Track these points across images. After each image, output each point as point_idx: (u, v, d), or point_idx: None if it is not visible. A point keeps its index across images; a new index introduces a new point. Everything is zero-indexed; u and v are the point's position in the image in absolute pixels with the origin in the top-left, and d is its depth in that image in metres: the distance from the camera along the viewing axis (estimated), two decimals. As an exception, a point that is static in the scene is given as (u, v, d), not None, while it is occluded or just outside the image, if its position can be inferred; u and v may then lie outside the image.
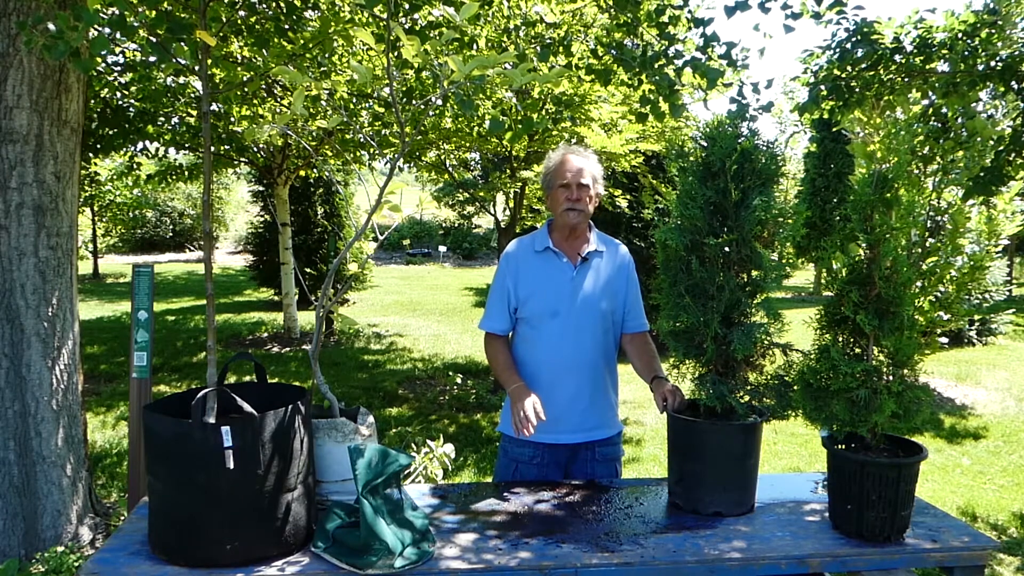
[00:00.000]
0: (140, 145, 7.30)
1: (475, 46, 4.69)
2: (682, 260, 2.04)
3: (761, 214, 1.96)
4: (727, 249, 1.98)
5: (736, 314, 2.01)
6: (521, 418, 2.14)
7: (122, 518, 3.59)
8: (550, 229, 2.47)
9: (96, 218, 17.33)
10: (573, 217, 2.37)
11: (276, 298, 12.05)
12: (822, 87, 4.61)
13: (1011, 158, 4.15)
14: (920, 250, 1.91)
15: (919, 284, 1.90)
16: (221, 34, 4.62)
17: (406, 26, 4.52)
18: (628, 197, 8.56)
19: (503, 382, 2.38)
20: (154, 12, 2.83)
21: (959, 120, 4.09)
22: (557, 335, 2.37)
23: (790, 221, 2.02)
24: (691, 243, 2.01)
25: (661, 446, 5.62)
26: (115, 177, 14.04)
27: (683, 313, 2.02)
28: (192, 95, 6.76)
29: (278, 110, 6.55)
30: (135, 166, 7.82)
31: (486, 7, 4.60)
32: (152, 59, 5.54)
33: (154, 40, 2.34)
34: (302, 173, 9.46)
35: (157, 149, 7.52)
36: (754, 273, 2.03)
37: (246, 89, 5.84)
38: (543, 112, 5.69)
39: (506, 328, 2.46)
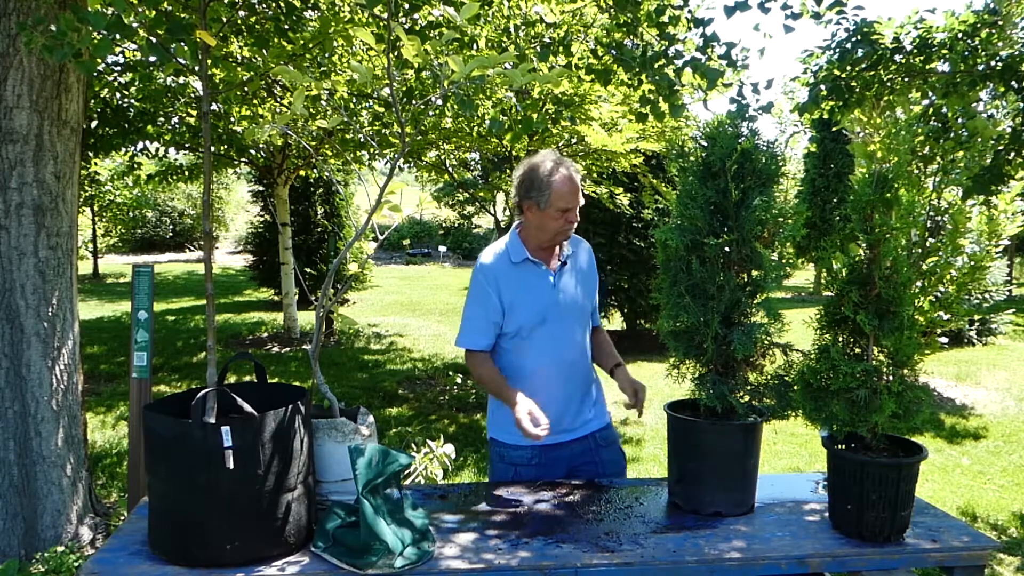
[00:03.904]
0: (140, 145, 7.31)
1: (475, 46, 4.69)
2: (682, 260, 2.04)
3: (761, 214, 1.96)
4: (727, 249, 1.98)
5: (736, 314, 2.01)
6: (531, 429, 2.12)
7: (122, 518, 3.59)
8: (522, 239, 2.39)
9: (96, 218, 17.35)
10: (568, 236, 2.36)
11: (276, 298, 12.05)
12: (822, 87, 4.61)
13: (1011, 158, 4.15)
14: (920, 250, 1.91)
15: (919, 284, 1.90)
16: (221, 34, 4.62)
17: (406, 26, 4.52)
18: (628, 196, 8.57)
19: (505, 398, 2.28)
20: (154, 12, 2.84)
21: (959, 120, 4.09)
22: (547, 342, 2.35)
23: (790, 221, 2.02)
24: (691, 243, 2.01)
25: (661, 446, 5.62)
26: (115, 177, 14.06)
27: (683, 313, 2.02)
28: (192, 95, 6.76)
29: (278, 110, 6.55)
30: (135, 166, 7.82)
31: (486, 7, 4.60)
32: (152, 59, 5.54)
33: (154, 40, 2.34)
34: (302, 173, 9.46)
35: (157, 149, 7.52)
36: (754, 273, 2.03)
37: (246, 89, 5.84)
38: (543, 112, 5.69)
39: (490, 344, 2.39)
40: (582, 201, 2.34)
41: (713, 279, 1.99)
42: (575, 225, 2.34)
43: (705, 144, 2.03)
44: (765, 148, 2.02)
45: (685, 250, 2.03)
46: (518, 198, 2.35)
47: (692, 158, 2.05)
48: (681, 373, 2.15)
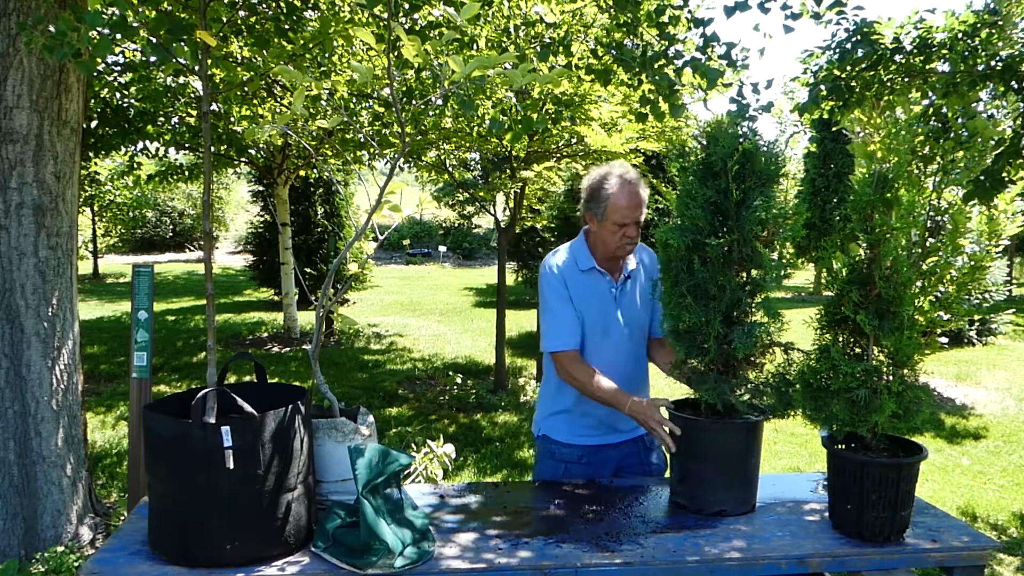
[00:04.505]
0: (140, 145, 7.30)
1: (475, 46, 4.69)
2: (684, 260, 2.04)
3: (762, 214, 1.96)
4: (727, 249, 1.98)
5: (737, 313, 2.01)
6: (668, 440, 2.10)
7: (122, 518, 3.59)
8: (589, 246, 2.38)
9: (96, 218, 17.34)
10: (629, 251, 2.34)
11: (276, 298, 12.05)
12: (822, 87, 4.61)
13: (1011, 160, 4.15)
14: (920, 250, 1.91)
15: (919, 284, 1.90)
16: (221, 34, 4.62)
17: (406, 26, 4.52)
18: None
19: (615, 402, 2.23)
20: (154, 12, 2.84)
21: (959, 120, 4.09)
22: (609, 353, 2.34)
23: (790, 221, 2.02)
24: (692, 243, 2.01)
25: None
26: (115, 177, 14.06)
27: (685, 312, 2.02)
28: (192, 95, 6.76)
29: (278, 110, 6.55)
30: (135, 166, 7.82)
31: (486, 7, 4.60)
32: (152, 59, 5.54)
33: (154, 40, 2.34)
34: (302, 173, 9.46)
35: (157, 149, 7.52)
36: (754, 273, 2.03)
37: (246, 89, 5.84)
38: (543, 112, 5.69)
39: (579, 343, 2.33)
40: (643, 217, 2.29)
41: (714, 279, 1.99)
42: (634, 241, 2.31)
43: (706, 144, 2.03)
44: (765, 148, 2.02)
45: (686, 250, 2.03)
46: (581, 208, 2.37)
47: (692, 158, 2.05)
48: (683, 372, 2.15)
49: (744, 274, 2.04)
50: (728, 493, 2.05)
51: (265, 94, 6.47)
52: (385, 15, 3.81)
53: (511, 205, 7.37)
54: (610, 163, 2.37)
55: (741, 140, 1.99)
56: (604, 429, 2.42)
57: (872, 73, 4.57)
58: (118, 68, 6.15)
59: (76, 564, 3.14)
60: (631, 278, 2.41)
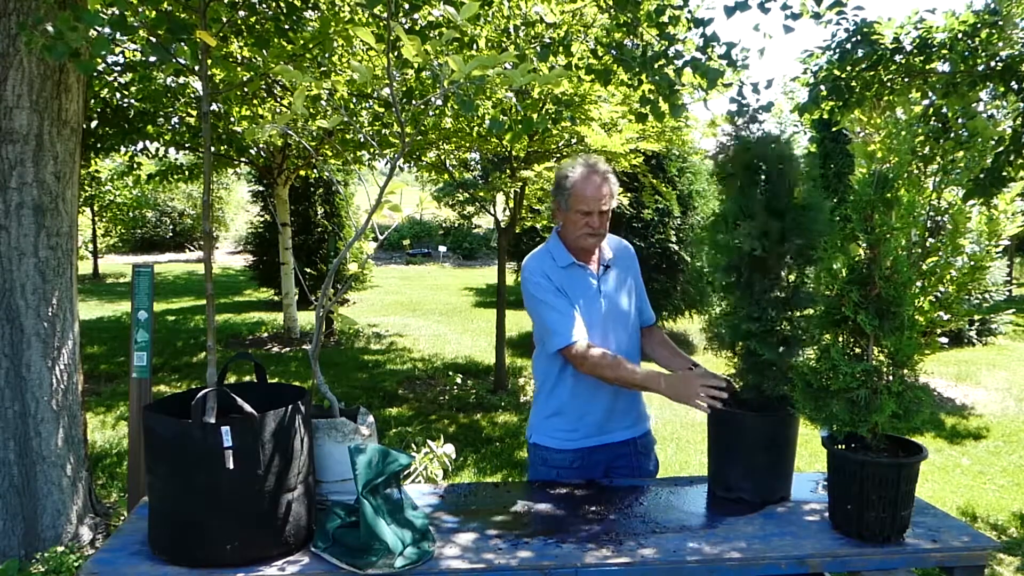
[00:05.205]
0: (140, 145, 7.30)
1: (475, 46, 4.69)
2: (757, 264, 2.06)
3: (831, 215, 1.99)
4: (787, 251, 2.03)
5: (800, 311, 2.08)
6: (713, 395, 2.09)
7: (122, 518, 3.59)
8: (562, 239, 2.38)
9: (96, 218, 17.32)
10: (592, 243, 2.34)
11: (276, 298, 12.03)
12: (822, 87, 4.60)
13: (1011, 159, 4.14)
14: (920, 250, 1.91)
15: (919, 284, 1.90)
16: (221, 34, 4.62)
17: (406, 26, 4.52)
18: (628, 196, 8.56)
19: (651, 383, 2.20)
20: (154, 12, 2.84)
21: (959, 120, 4.08)
22: (597, 343, 2.33)
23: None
24: (762, 246, 2.03)
25: (663, 446, 5.61)
26: (115, 177, 14.05)
27: (761, 313, 2.07)
28: (192, 95, 6.75)
29: (278, 110, 6.54)
30: (135, 166, 7.81)
31: (486, 7, 4.60)
32: (152, 59, 5.54)
33: (154, 40, 2.34)
34: (302, 173, 9.45)
35: (157, 149, 7.51)
36: (807, 270, 2.09)
37: (246, 89, 5.84)
38: (543, 112, 5.68)
39: (587, 334, 2.30)
40: (608, 207, 2.28)
41: (777, 281, 2.04)
42: (598, 231, 2.29)
43: (762, 150, 2.06)
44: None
45: (759, 252, 2.04)
46: (551, 199, 2.38)
47: (758, 163, 2.06)
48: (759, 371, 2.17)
49: (794, 275, 2.09)
50: (786, 480, 2.16)
51: (265, 94, 6.47)
52: (385, 15, 3.81)
53: (511, 205, 7.36)
54: (589, 155, 2.37)
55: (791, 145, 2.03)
56: (597, 430, 2.41)
57: (872, 73, 4.57)
58: (118, 68, 6.15)
59: (76, 564, 3.14)
60: (610, 267, 2.42)
